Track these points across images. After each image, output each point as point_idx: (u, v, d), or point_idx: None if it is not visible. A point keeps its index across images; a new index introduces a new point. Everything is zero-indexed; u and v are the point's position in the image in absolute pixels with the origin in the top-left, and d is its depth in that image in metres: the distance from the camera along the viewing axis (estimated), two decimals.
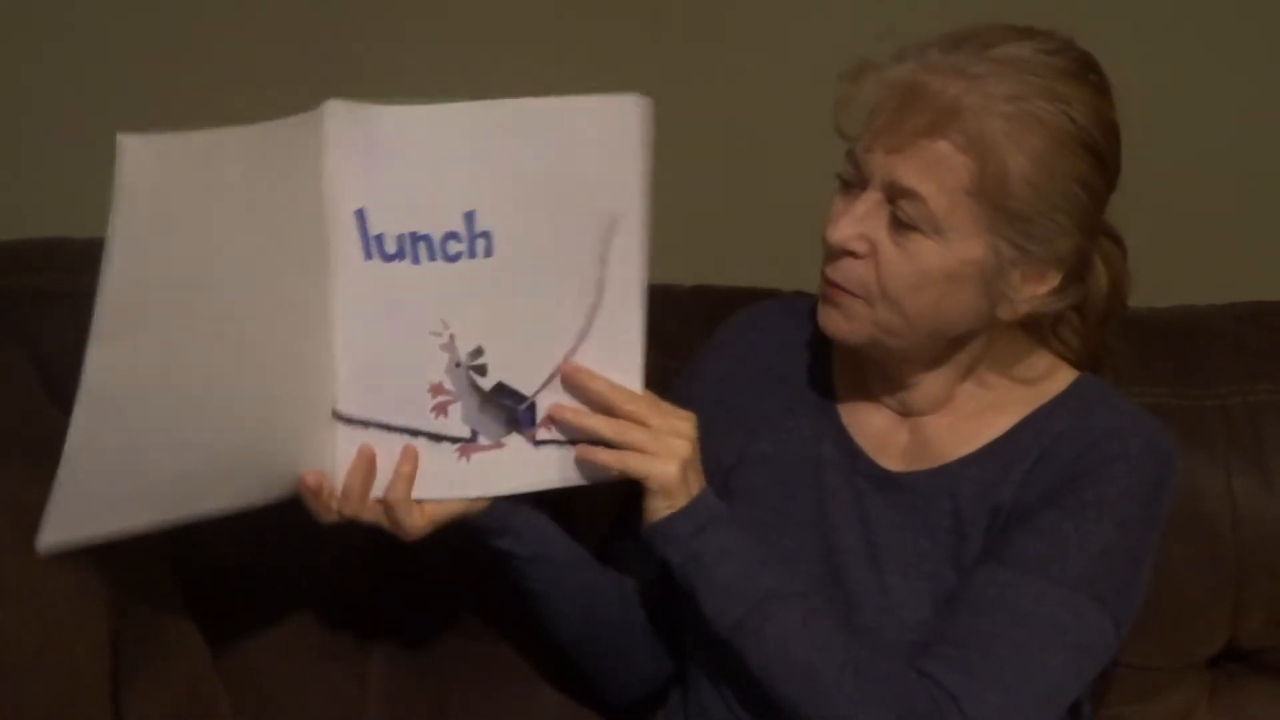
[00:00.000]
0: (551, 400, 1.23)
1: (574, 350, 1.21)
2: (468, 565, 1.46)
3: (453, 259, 1.18)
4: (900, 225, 1.19)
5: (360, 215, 1.17)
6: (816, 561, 1.30)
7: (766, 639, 1.22)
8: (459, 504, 1.25)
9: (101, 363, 1.09)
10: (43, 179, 1.80)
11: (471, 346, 1.21)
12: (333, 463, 1.22)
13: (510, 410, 1.23)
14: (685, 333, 1.50)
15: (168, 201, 1.09)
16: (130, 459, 1.13)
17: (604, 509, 1.46)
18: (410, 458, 1.22)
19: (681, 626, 1.39)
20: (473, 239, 1.18)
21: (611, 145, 1.17)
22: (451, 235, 1.18)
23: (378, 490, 1.22)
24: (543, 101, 1.17)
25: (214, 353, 1.14)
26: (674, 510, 1.23)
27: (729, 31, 1.83)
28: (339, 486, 1.22)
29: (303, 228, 1.17)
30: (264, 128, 1.12)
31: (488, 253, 1.18)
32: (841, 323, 1.25)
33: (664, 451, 1.22)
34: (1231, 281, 1.69)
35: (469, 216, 1.17)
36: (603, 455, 1.23)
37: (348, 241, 1.18)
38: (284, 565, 1.47)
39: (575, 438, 1.24)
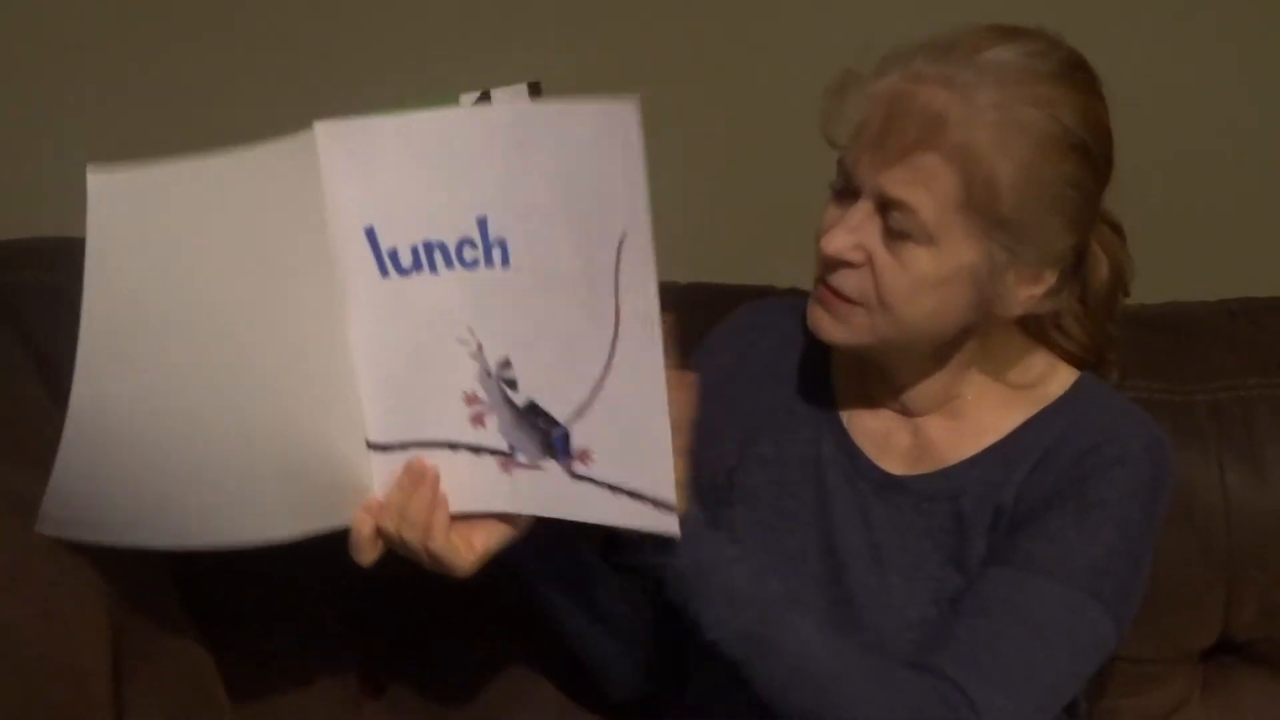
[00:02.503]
0: (586, 433, 1.15)
1: (601, 381, 1.14)
2: None
3: (470, 266, 1.14)
4: (893, 234, 1.20)
5: (370, 233, 1.14)
6: (819, 561, 1.31)
7: (777, 647, 1.20)
8: (504, 533, 1.21)
9: (85, 399, 1.08)
10: (43, 178, 1.80)
11: (500, 357, 1.16)
12: (373, 494, 1.20)
13: (545, 433, 1.17)
14: (681, 330, 1.50)
15: (144, 239, 1.07)
16: (117, 486, 1.14)
17: None
18: (434, 481, 1.19)
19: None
20: (488, 247, 1.13)
21: (610, 153, 1.09)
22: (467, 242, 1.13)
23: (419, 514, 1.19)
24: (538, 107, 1.15)
25: (213, 386, 1.12)
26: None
27: (723, 27, 1.83)
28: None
29: (308, 259, 1.15)
30: (250, 155, 1.10)
31: (505, 262, 1.13)
32: (834, 328, 1.25)
33: None
34: (1224, 277, 1.70)
35: (481, 223, 1.13)
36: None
37: (362, 262, 1.15)
38: (283, 564, 1.47)
39: (613, 483, 1.16)
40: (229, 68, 1.81)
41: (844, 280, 1.23)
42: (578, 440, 1.16)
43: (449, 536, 1.19)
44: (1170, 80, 1.81)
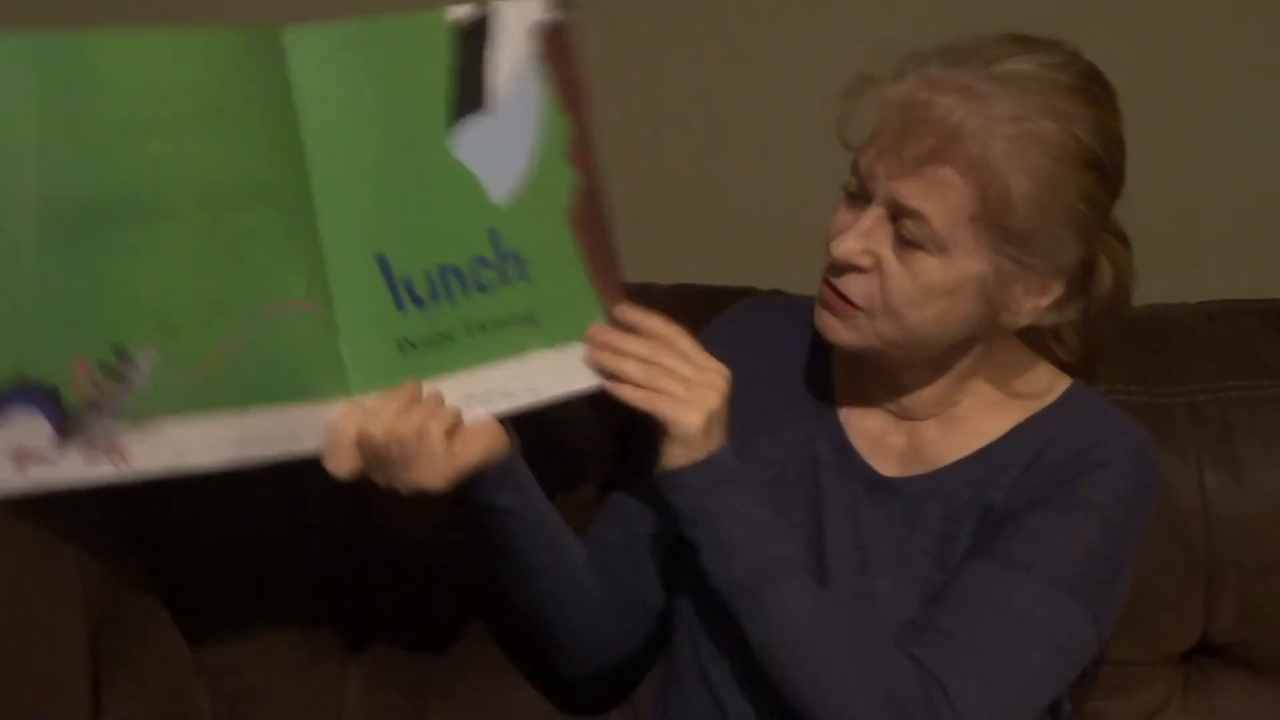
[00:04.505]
0: None
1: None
2: (448, 563, 1.46)
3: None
4: (904, 242, 1.20)
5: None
6: (810, 560, 1.31)
7: (769, 604, 1.21)
8: (482, 450, 1.21)
9: None
10: None
11: None
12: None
13: None
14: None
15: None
16: None
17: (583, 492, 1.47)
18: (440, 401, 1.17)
19: (670, 617, 1.39)
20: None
21: None
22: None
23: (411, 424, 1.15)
24: None
25: None
26: (691, 461, 1.22)
27: (711, 31, 1.83)
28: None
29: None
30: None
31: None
32: (841, 330, 1.26)
33: (694, 400, 1.21)
34: (1202, 280, 1.71)
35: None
36: (631, 393, 1.21)
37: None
38: (264, 565, 1.47)
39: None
40: None
41: (851, 284, 1.23)
42: None
43: (443, 445, 1.16)
44: (1151, 84, 1.82)
